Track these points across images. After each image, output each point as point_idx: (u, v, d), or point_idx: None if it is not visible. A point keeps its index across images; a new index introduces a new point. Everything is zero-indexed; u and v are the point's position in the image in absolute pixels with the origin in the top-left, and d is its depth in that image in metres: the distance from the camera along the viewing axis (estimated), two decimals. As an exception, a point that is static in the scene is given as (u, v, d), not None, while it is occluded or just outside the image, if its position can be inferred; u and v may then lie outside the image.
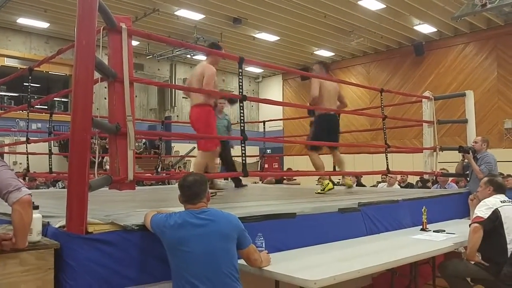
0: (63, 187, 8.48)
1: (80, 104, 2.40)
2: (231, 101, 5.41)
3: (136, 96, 16.63)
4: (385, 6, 12.25)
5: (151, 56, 16.27)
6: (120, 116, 2.97)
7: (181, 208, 2.54)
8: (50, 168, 6.24)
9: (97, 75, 2.77)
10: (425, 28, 14.29)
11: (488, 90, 14.08)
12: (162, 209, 2.68)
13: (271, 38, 15.18)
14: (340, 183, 5.72)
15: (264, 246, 2.76)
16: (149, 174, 7.96)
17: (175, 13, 12.76)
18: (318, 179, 9.78)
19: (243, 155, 4.01)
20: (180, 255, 2.36)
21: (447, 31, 14.66)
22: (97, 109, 3.06)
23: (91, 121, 2.45)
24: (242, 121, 4.05)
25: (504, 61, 13.92)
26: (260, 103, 19.82)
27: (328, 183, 5.28)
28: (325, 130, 5.30)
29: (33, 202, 2.13)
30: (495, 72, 14.10)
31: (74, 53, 2.42)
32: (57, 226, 2.39)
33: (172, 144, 15.79)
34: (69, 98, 15.19)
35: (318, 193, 5.21)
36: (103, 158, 10.07)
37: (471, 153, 5.45)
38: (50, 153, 6.31)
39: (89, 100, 2.42)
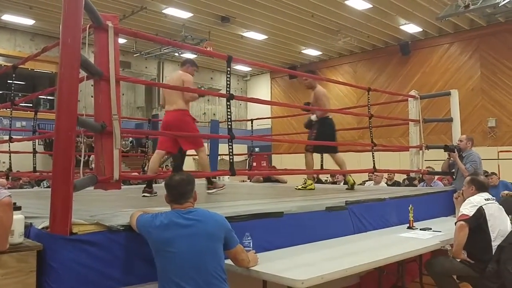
0: (48, 187, 8.34)
1: (65, 103, 2.36)
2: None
3: (123, 94, 16.49)
4: (371, 6, 12.34)
5: (138, 54, 16.13)
6: (106, 114, 2.93)
7: (167, 208, 2.52)
8: (34, 167, 6.15)
9: (83, 73, 2.74)
10: (411, 28, 14.44)
11: (472, 89, 14.31)
12: (148, 209, 2.65)
13: (259, 37, 15.18)
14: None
15: (251, 245, 2.75)
16: (136, 173, 7.89)
17: (163, 11, 12.67)
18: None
19: (231, 153, 4.01)
20: (167, 255, 2.33)
21: (432, 31, 14.85)
22: (84, 107, 3.01)
23: (76, 119, 2.41)
24: (229, 119, 4.04)
25: (487, 61, 14.17)
26: (248, 102, 19.82)
27: (312, 183, 5.52)
28: (331, 132, 5.60)
29: (15, 203, 2.09)
30: (478, 71, 14.35)
31: (59, 51, 2.39)
32: (40, 227, 2.34)
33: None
34: (55, 96, 15.02)
35: (298, 188, 5.48)
36: (89, 157, 9.98)
37: (456, 152, 5.52)
38: (35, 152, 6.22)
39: (74, 99, 2.38)
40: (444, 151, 5.77)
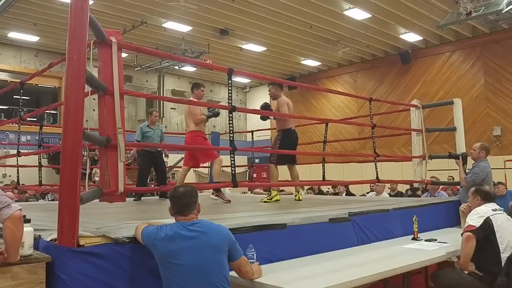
0: (53, 199, 8.40)
1: (71, 117, 2.40)
2: (215, 114, 5.88)
3: (124, 108, 16.52)
4: (370, 15, 12.43)
5: (139, 68, 16.26)
6: (111, 128, 2.97)
7: (172, 220, 2.53)
8: (40, 181, 6.18)
9: (87, 88, 2.77)
10: (411, 37, 14.48)
11: (476, 97, 14.21)
12: (153, 221, 2.66)
13: (258, 48, 15.28)
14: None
15: (255, 257, 2.76)
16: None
17: (163, 25, 12.80)
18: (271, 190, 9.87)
19: (232, 165, 4.02)
20: (171, 267, 2.34)
21: (433, 40, 14.88)
22: (86, 121, 3.04)
23: (82, 134, 2.45)
24: (231, 131, 4.06)
25: (491, 69, 14.05)
26: (248, 113, 19.85)
27: (277, 194, 5.68)
28: (293, 144, 5.76)
29: (25, 216, 2.12)
30: (482, 79, 14.23)
31: (65, 67, 2.43)
32: (48, 239, 2.37)
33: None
34: (58, 110, 15.10)
35: (264, 201, 5.57)
36: (91, 169, 9.99)
37: (460, 159, 5.46)
38: (40, 166, 6.26)
39: (80, 114, 2.42)
40: (448, 158, 5.73)
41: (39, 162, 6.26)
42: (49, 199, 8.74)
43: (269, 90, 6.00)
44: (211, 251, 2.38)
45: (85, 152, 3.30)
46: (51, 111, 15.81)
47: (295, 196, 5.84)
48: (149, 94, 10.56)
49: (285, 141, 5.68)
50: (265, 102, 5.98)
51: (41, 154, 6.83)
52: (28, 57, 14.66)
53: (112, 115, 2.99)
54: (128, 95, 3.52)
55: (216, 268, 2.38)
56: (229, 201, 5.44)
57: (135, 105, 17.59)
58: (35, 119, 13.53)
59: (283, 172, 5.72)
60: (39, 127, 6.58)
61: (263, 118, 6.21)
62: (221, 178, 5.55)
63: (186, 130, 5.81)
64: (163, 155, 7.13)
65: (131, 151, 6.93)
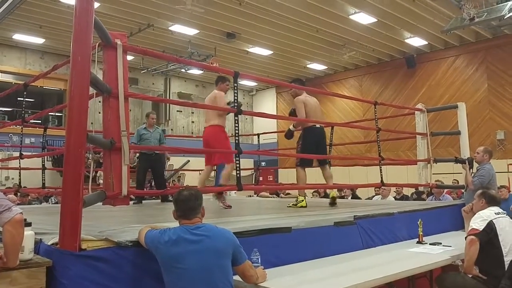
0: (56, 202, 8.38)
1: (75, 119, 2.40)
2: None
3: (130, 110, 16.56)
4: (376, 20, 12.41)
5: (145, 71, 16.31)
6: (115, 131, 2.96)
7: (175, 224, 2.52)
8: (43, 183, 6.18)
9: (91, 90, 2.77)
10: (416, 41, 14.47)
11: (480, 101, 14.23)
12: (157, 225, 2.65)
13: (265, 52, 15.30)
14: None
15: (259, 261, 2.74)
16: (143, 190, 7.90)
17: (170, 28, 12.84)
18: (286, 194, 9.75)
19: (238, 168, 4.01)
20: (175, 271, 2.32)
21: (438, 44, 14.86)
22: (91, 123, 3.05)
23: (86, 136, 2.44)
24: (237, 134, 4.05)
25: (494, 73, 14.10)
26: (254, 116, 19.88)
27: (303, 200, 5.33)
28: (313, 143, 5.38)
29: (25, 219, 2.10)
30: (485, 84, 14.28)
31: (70, 69, 2.43)
32: (49, 243, 2.35)
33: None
34: (63, 112, 15.16)
35: (290, 206, 5.33)
36: (96, 172, 10.02)
37: (467, 163, 5.47)
38: (44, 168, 6.26)
39: (84, 116, 2.42)
40: (455, 163, 5.73)
41: (43, 165, 6.26)
42: (53, 202, 8.73)
43: (290, 89, 5.84)
44: (215, 255, 2.36)
45: (90, 155, 3.30)
46: (56, 114, 15.87)
47: (330, 195, 5.60)
48: (154, 97, 10.56)
49: (306, 141, 5.42)
50: (293, 108, 5.74)
51: (45, 157, 6.85)
52: (33, 59, 14.73)
53: (117, 118, 2.98)
54: (132, 97, 3.52)
55: (220, 272, 2.36)
56: (230, 206, 5.30)
57: (141, 108, 17.64)
58: (40, 122, 13.57)
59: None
60: (43, 129, 6.60)
61: (288, 136, 5.82)
62: (228, 183, 5.33)
63: (204, 124, 5.46)
64: (165, 158, 7.13)
65: (130, 155, 6.90)
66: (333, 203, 5.41)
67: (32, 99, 15.40)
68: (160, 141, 7.01)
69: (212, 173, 9.02)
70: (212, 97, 5.34)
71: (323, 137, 5.63)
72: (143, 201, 6.77)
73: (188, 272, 2.30)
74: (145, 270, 2.48)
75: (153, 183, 8.10)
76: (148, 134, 6.77)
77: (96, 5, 11.07)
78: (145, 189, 7.12)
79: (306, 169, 5.46)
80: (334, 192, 5.61)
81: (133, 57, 14.59)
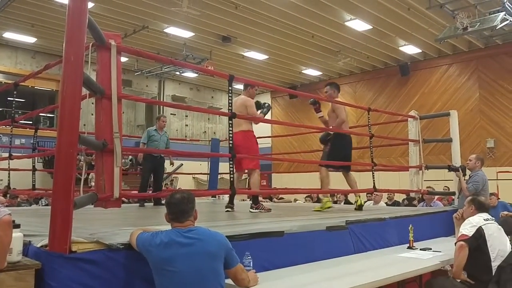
0: (46, 204, 8.30)
1: (66, 120, 2.37)
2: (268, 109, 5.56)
3: (123, 112, 16.53)
4: (371, 27, 12.51)
5: (139, 73, 16.28)
6: (107, 132, 2.94)
7: (168, 227, 2.50)
8: (33, 185, 6.12)
9: (84, 91, 2.76)
10: (410, 49, 14.61)
11: (471, 110, 14.41)
12: (149, 228, 2.63)
13: (260, 56, 15.34)
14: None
15: (251, 265, 2.73)
16: (135, 192, 7.87)
17: (165, 30, 12.84)
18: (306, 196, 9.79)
19: (231, 172, 4.01)
20: (166, 274, 2.31)
21: (431, 52, 15.02)
22: (84, 125, 3.03)
23: (78, 137, 2.42)
24: (231, 138, 4.05)
25: (485, 82, 14.31)
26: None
27: (327, 202, 5.35)
28: (346, 149, 5.50)
29: (14, 221, 2.07)
30: (477, 92, 14.47)
31: (62, 69, 2.41)
32: (39, 245, 2.31)
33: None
34: (55, 113, 15.07)
35: (316, 210, 5.27)
36: (88, 174, 9.95)
37: (460, 171, 5.54)
38: (34, 170, 6.20)
39: (76, 117, 2.39)
40: (448, 171, 5.79)
41: (33, 166, 6.20)
42: (43, 204, 8.64)
43: (326, 92, 5.78)
44: (207, 258, 2.35)
45: (82, 157, 3.28)
46: (47, 114, 15.76)
47: (356, 202, 5.63)
48: (147, 99, 10.53)
49: (337, 145, 5.45)
50: (314, 99, 5.73)
51: (36, 158, 6.79)
52: (24, 59, 14.61)
53: (109, 119, 2.97)
54: (126, 99, 3.50)
55: (211, 275, 2.35)
56: (270, 209, 5.26)
57: (134, 110, 17.59)
58: (31, 122, 13.46)
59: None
60: (34, 130, 6.53)
61: (323, 141, 5.75)
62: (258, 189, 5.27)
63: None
64: (169, 162, 7.19)
65: (138, 155, 6.90)
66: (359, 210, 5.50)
67: (23, 99, 15.27)
68: (167, 145, 7.07)
69: (206, 177, 9.02)
70: (240, 102, 5.22)
71: (351, 144, 5.68)
72: (145, 204, 6.76)
73: (179, 275, 2.29)
74: (136, 273, 2.46)
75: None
76: (158, 136, 6.86)
77: (91, 5, 11.09)
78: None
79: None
80: (360, 200, 5.63)
81: (127, 59, 14.56)
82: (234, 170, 5.25)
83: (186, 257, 2.30)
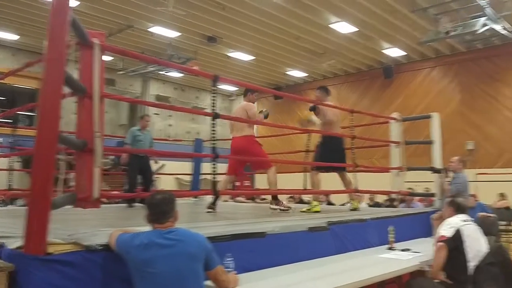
0: (23, 205, 8.12)
1: (46, 119, 2.34)
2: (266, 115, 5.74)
3: (106, 112, 16.29)
4: (356, 29, 12.62)
5: (123, 72, 16.10)
6: (88, 132, 2.91)
7: (148, 228, 2.49)
8: (10, 185, 6.01)
9: (66, 89, 2.72)
10: (394, 52, 14.78)
11: (452, 112, 14.66)
12: (128, 229, 2.61)
13: (246, 57, 15.34)
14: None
15: (233, 266, 2.73)
16: (117, 192, 7.79)
17: (150, 29, 12.74)
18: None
19: (214, 173, 4.00)
20: (146, 276, 2.29)
21: (415, 55, 15.23)
22: (66, 124, 2.99)
23: (58, 136, 2.39)
24: (213, 138, 4.04)
25: (466, 86, 14.59)
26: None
27: (316, 205, 5.34)
28: (333, 151, 5.53)
29: None
30: (458, 95, 14.74)
31: (44, 66, 2.37)
32: (13, 247, 2.26)
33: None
34: (36, 112, 14.78)
35: (303, 211, 5.32)
36: (68, 174, 9.77)
37: (443, 173, 5.63)
38: (11, 169, 6.09)
39: (56, 116, 2.35)
40: (432, 173, 5.87)
41: (10, 165, 6.08)
42: (19, 205, 8.45)
43: (316, 96, 5.90)
44: (187, 259, 2.34)
45: (62, 156, 3.23)
46: (28, 113, 15.46)
47: (351, 205, 5.70)
48: (130, 98, 10.43)
49: (324, 149, 5.55)
50: (313, 105, 5.82)
51: (14, 157, 6.66)
52: (4, 56, 14.29)
53: (91, 119, 2.93)
54: (108, 98, 3.47)
55: (191, 277, 2.34)
56: (289, 208, 5.31)
57: (117, 109, 17.38)
58: (11, 121, 13.18)
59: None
60: (12, 129, 6.40)
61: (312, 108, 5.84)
62: (276, 186, 5.32)
63: (234, 134, 5.43)
64: (153, 161, 7.15)
65: (122, 155, 6.84)
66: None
67: (2, 98, 14.95)
68: (151, 144, 7.00)
69: (188, 178, 8.97)
70: (242, 108, 5.38)
71: (341, 145, 5.69)
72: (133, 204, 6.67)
73: (159, 276, 2.27)
74: (115, 275, 2.43)
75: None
76: (142, 136, 6.85)
77: (76, 3, 10.92)
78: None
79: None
80: (356, 204, 5.69)
81: (111, 58, 14.39)
82: (227, 172, 5.48)
83: (166, 259, 2.29)
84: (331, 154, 5.46)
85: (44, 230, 2.20)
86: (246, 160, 5.25)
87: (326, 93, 5.84)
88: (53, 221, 2.30)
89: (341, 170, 5.69)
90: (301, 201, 10.12)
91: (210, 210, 5.07)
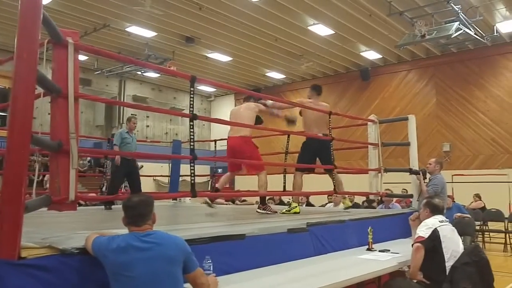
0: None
1: (18, 119, 2.25)
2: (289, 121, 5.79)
3: (82, 112, 16.05)
4: (333, 32, 12.76)
5: (99, 72, 15.85)
6: (63, 133, 2.83)
7: (125, 231, 2.43)
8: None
9: (39, 89, 2.64)
10: (371, 55, 15.02)
11: (428, 115, 14.98)
12: (105, 232, 2.55)
13: (224, 58, 15.31)
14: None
15: (212, 269, 2.70)
16: (93, 194, 7.64)
17: (126, 29, 12.58)
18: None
19: (192, 174, 3.95)
20: (123, 280, 2.24)
21: (391, 58, 15.51)
22: (40, 125, 2.91)
23: (31, 137, 2.31)
24: (192, 139, 3.99)
25: (442, 89, 14.94)
26: (212, 122, 19.79)
27: (296, 206, 5.38)
28: (310, 151, 5.57)
29: None
30: (434, 98, 15.08)
31: (14, 65, 2.29)
32: (-17, 252, 2.18)
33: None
34: (7, 112, 14.36)
35: (283, 213, 5.34)
36: (44, 176, 9.56)
37: (421, 174, 5.72)
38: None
39: (28, 116, 2.28)
40: (409, 174, 5.96)
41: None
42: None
43: (307, 93, 5.93)
44: (165, 263, 2.30)
45: (36, 157, 3.14)
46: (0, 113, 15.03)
47: (344, 205, 5.74)
48: (106, 99, 10.25)
49: (303, 149, 5.62)
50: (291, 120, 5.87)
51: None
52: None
53: (65, 119, 2.85)
54: (83, 98, 3.38)
55: (170, 280, 2.30)
56: (276, 212, 5.28)
57: (93, 110, 17.09)
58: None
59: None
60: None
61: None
62: (266, 189, 5.29)
63: (230, 133, 5.41)
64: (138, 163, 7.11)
65: (116, 157, 6.68)
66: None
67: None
68: (135, 147, 7.06)
69: (166, 180, 8.87)
70: (244, 107, 5.43)
71: (322, 146, 5.66)
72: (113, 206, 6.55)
73: (136, 280, 2.22)
74: (92, 279, 2.37)
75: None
76: (130, 138, 6.80)
77: (48, 0, 10.63)
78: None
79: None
80: (347, 202, 5.77)
81: (87, 57, 14.15)
82: (228, 169, 5.52)
83: (144, 262, 2.24)
84: (314, 154, 5.52)
85: (17, 234, 2.12)
86: (238, 161, 5.25)
87: (315, 92, 5.84)
88: (27, 225, 2.23)
89: (329, 171, 5.72)
90: (281, 203, 10.15)
91: (207, 204, 5.18)
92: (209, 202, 5.24)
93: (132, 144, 6.77)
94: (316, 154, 5.66)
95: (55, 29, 2.78)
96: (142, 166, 7.27)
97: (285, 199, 10.87)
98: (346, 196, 6.02)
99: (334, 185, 5.66)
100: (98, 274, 2.34)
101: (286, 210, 5.43)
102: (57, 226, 3.50)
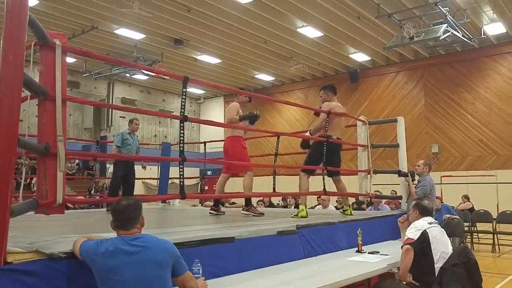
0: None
1: (4, 122, 2.22)
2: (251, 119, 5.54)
3: (70, 115, 15.91)
4: (322, 34, 12.82)
5: (88, 74, 15.72)
6: (50, 135, 2.80)
7: (113, 234, 2.41)
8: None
9: (26, 92, 2.61)
10: (360, 57, 15.12)
11: (417, 116, 15.11)
12: (93, 235, 2.52)
13: (213, 60, 15.29)
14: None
15: (201, 272, 2.68)
16: (82, 197, 7.56)
17: (115, 31, 12.50)
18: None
19: (181, 176, 3.93)
20: (112, 284, 2.22)
21: (380, 60, 15.63)
22: (28, 127, 2.87)
23: (17, 140, 2.28)
24: (182, 141, 3.97)
25: (430, 90, 15.08)
26: (201, 124, 19.73)
27: (303, 210, 5.17)
28: (321, 153, 5.41)
29: None
30: (423, 100, 15.22)
31: (0, 68, 2.26)
32: (-32, 257, 2.14)
33: (107, 165, 15.16)
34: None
35: (292, 217, 5.16)
36: (31, 179, 9.45)
37: (410, 176, 5.75)
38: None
39: (15, 118, 2.25)
40: (398, 176, 5.99)
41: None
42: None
43: (321, 96, 5.70)
44: (154, 266, 2.28)
45: (23, 161, 3.10)
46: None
47: (345, 211, 5.59)
48: (94, 101, 10.17)
49: (316, 150, 5.46)
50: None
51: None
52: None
53: (53, 122, 2.82)
54: (71, 101, 3.35)
55: (158, 284, 2.28)
56: (262, 214, 5.22)
57: (81, 112, 16.94)
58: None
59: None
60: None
61: (304, 146, 5.85)
62: (251, 191, 5.25)
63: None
64: (141, 167, 7.01)
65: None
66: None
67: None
68: (138, 149, 6.94)
69: (155, 182, 8.82)
70: (227, 108, 5.45)
71: (335, 149, 5.59)
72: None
73: (125, 284, 2.21)
74: (80, 284, 2.35)
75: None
76: (131, 140, 6.74)
77: (35, 2, 10.54)
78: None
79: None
80: (349, 211, 5.67)
81: (75, 60, 14.03)
82: (223, 172, 5.53)
83: (132, 266, 2.22)
84: (319, 157, 5.41)
85: (3, 239, 2.08)
86: (226, 162, 5.26)
87: (332, 93, 5.65)
88: (14, 229, 2.19)
89: (335, 176, 5.63)
90: (271, 205, 10.14)
91: (213, 212, 5.22)
92: (213, 212, 5.28)
93: (132, 145, 6.71)
94: (332, 157, 5.50)
95: (41, 31, 2.75)
96: (145, 167, 7.18)
97: (275, 201, 10.87)
98: (348, 202, 6.00)
99: (324, 186, 5.67)
100: (86, 279, 2.31)
101: (294, 215, 5.17)
102: (45, 230, 3.46)
